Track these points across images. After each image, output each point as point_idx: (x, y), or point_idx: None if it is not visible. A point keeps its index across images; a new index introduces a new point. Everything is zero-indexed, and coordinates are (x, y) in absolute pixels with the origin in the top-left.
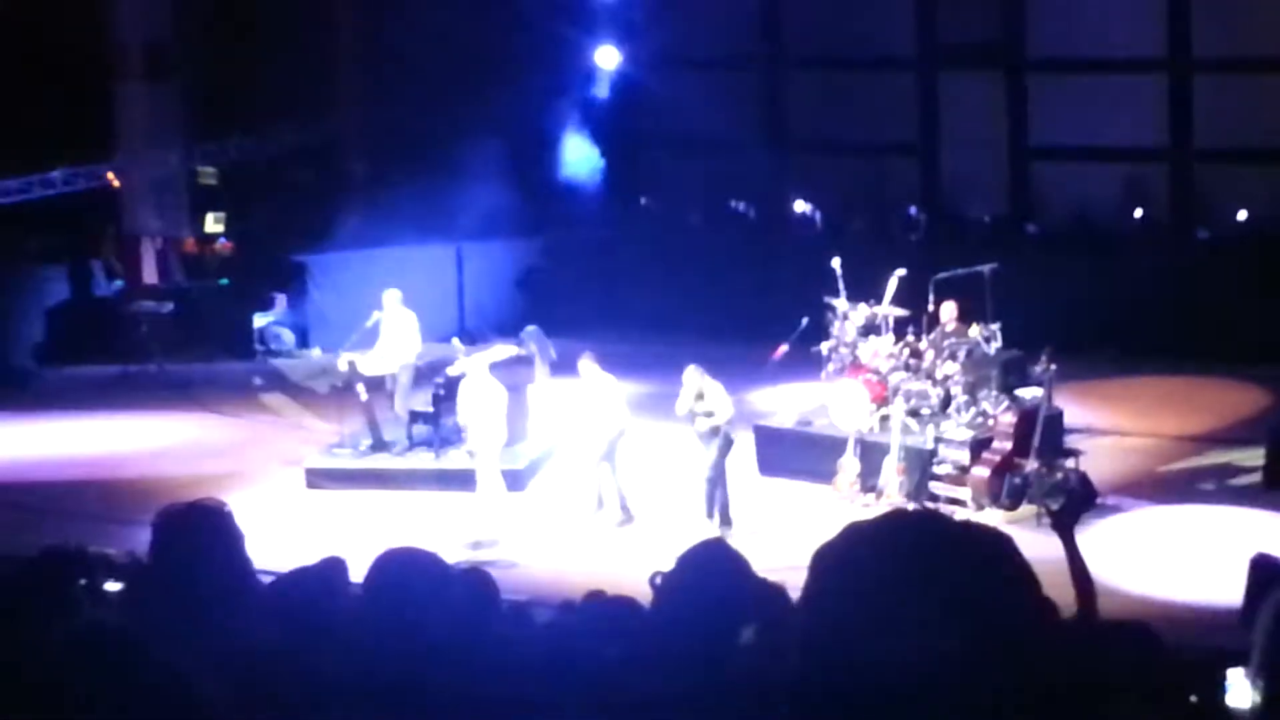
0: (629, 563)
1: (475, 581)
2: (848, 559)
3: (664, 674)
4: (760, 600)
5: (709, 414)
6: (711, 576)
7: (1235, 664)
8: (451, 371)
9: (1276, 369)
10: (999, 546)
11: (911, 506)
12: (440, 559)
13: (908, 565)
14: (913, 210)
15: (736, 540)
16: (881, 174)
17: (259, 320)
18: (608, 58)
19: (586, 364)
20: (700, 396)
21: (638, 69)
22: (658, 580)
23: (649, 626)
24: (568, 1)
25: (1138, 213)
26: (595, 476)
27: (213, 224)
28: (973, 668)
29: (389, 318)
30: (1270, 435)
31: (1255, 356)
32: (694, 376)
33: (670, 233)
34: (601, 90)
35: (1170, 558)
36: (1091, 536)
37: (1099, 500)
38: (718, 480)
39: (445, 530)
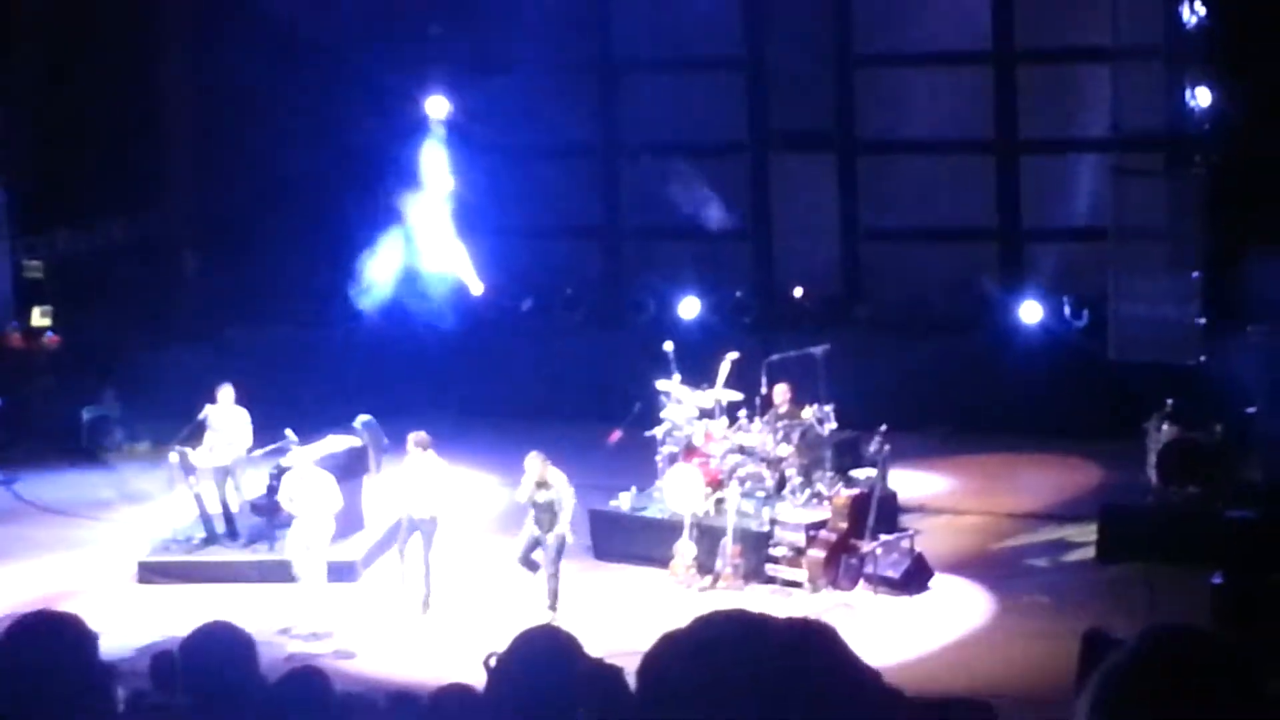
0: (463, 651)
1: (305, 675)
2: (670, 672)
3: None
4: (594, 683)
5: (552, 505)
6: (544, 660)
7: None
8: (284, 463)
9: (1107, 446)
10: (823, 641)
11: (729, 607)
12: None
13: (729, 672)
14: (738, 293)
15: (571, 625)
16: (715, 257)
17: (87, 415)
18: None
19: (415, 444)
20: (542, 485)
21: (473, 157)
22: (491, 662)
23: (482, 712)
24: (399, 107)
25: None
26: (415, 559)
27: (39, 318)
28: None
29: (221, 412)
30: (1101, 511)
31: (1085, 434)
32: (536, 464)
33: (504, 318)
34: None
35: (1002, 633)
36: (926, 614)
37: (933, 578)
38: (553, 567)
39: (279, 623)
